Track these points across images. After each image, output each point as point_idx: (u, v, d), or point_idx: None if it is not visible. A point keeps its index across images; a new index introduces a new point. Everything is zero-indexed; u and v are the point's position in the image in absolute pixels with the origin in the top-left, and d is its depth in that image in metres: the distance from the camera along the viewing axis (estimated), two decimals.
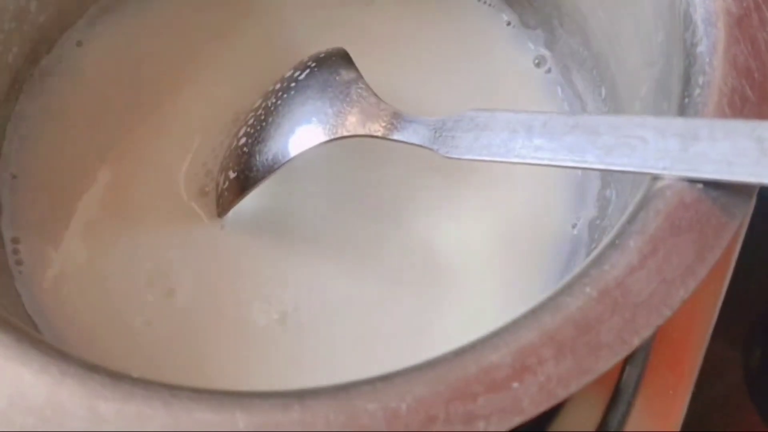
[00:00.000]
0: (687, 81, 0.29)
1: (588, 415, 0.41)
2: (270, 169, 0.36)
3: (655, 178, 0.27)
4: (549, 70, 0.42)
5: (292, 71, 0.38)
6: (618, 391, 0.41)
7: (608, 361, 0.23)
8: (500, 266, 0.39)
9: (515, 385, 0.23)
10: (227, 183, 0.38)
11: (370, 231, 0.39)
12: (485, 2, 0.45)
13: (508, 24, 0.44)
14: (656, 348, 0.43)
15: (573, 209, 0.40)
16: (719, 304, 0.46)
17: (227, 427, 0.23)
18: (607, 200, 0.38)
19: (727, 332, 0.46)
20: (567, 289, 0.25)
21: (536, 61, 0.43)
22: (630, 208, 0.26)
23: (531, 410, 0.23)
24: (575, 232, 0.39)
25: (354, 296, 0.38)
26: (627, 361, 0.42)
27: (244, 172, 0.38)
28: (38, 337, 0.25)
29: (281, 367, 0.36)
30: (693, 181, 0.26)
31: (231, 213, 0.39)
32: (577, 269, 0.25)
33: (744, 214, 0.26)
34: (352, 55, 0.38)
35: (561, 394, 0.23)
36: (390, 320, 0.37)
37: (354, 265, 0.39)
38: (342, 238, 0.39)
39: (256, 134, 0.38)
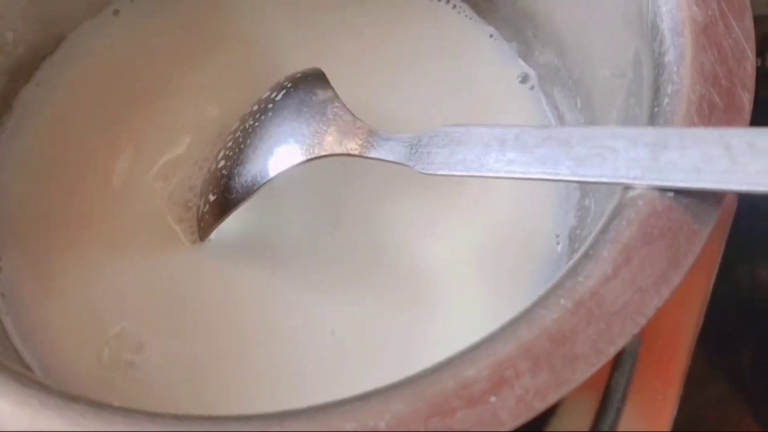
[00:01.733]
0: (656, 90, 0.29)
1: (576, 425, 0.41)
2: (249, 191, 0.37)
3: (627, 187, 0.27)
4: (532, 87, 0.43)
5: (269, 92, 0.39)
6: (606, 398, 0.41)
7: (585, 372, 0.24)
8: (485, 279, 0.39)
9: (493, 398, 0.23)
10: (207, 206, 0.38)
11: (354, 249, 0.39)
12: (467, 16, 0.45)
13: (491, 36, 0.44)
14: (643, 354, 0.43)
15: (555, 220, 0.40)
16: (704, 307, 0.46)
17: None
18: (586, 209, 0.38)
19: (715, 335, 0.46)
20: (542, 302, 0.25)
21: (519, 77, 0.43)
22: (603, 218, 0.27)
23: (509, 423, 0.23)
24: (558, 241, 0.39)
25: (340, 314, 0.38)
26: (614, 367, 0.42)
27: (223, 195, 0.38)
28: (18, 369, 0.25)
29: (269, 389, 0.36)
30: (664, 190, 0.26)
31: (212, 236, 0.39)
32: (552, 281, 0.25)
33: (715, 220, 0.26)
34: (331, 73, 0.38)
35: (538, 407, 0.23)
36: (377, 338, 0.37)
37: (338, 284, 0.39)
38: (325, 257, 0.39)
39: (235, 157, 0.38)
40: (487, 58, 0.43)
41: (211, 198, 0.38)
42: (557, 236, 0.39)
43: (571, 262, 0.26)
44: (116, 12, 0.45)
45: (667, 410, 0.44)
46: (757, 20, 0.37)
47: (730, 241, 0.43)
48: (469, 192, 0.40)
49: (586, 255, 0.26)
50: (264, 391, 0.35)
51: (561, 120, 0.41)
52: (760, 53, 0.36)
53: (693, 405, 0.45)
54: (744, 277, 0.54)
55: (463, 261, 0.39)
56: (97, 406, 0.24)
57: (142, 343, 0.37)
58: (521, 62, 0.43)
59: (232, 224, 0.38)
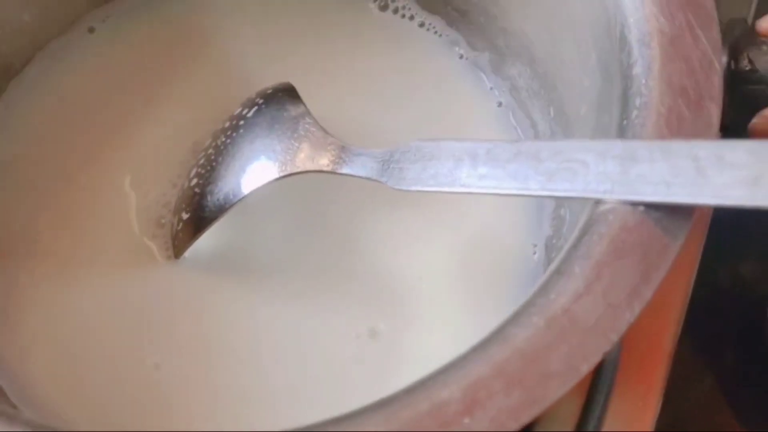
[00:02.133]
0: (625, 102, 0.29)
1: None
2: (222, 209, 0.36)
3: (598, 202, 0.27)
4: (502, 102, 0.43)
5: (240, 109, 0.38)
6: (588, 402, 0.41)
7: (558, 390, 0.23)
8: (462, 291, 0.39)
9: (466, 420, 0.23)
10: (181, 224, 0.38)
11: (328, 263, 0.39)
12: (437, 33, 0.45)
13: (461, 57, 0.44)
14: (624, 359, 0.43)
15: (531, 230, 0.40)
16: (684, 310, 0.46)
17: None
18: (561, 219, 0.38)
19: (698, 337, 0.46)
20: (514, 320, 0.25)
21: (491, 89, 0.43)
22: (574, 233, 0.27)
23: None
24: (535, 251, 0.39)
25: (316, 329, 0.38)
26: (596, 374, 0.42)
27: (197, 213, 0.37)
28: None
29: (241, 409, 0.36)
30: (635, 204, 0.26)
31: (187, 254, 0.38)
32: (524, 299, 0.25)
33: (686, 233, 0.26)
34: (302, 88, 0.38)
35: (512, 427, 0.23)
36: (355, 351, 0.37)
37: (314, 299, 0.39)
38: (300, 272, 0.39)
39: (207, 174, 0.38)
40: (457, 72, 0.43)
41: (185, 216, 0.38)
42: (534, 246, 0.39)
43: (542, 279, 0.26)
44: (91, 29, 0.44)
45: (649, 414, 0.44)
46: (731, 23, 0.37)
47: (712, 237, 0.43)
48: (444, 204, 0.40)
49: (557, 271, 0.25)
50: (236, 411, 0.35)
51: (534, 129, 0.41)
52: (733, 56, 0.36)
53: (676, 406, 0.45)
54: (726, 274, 0.54)
55: (439, 273, 0.39)
56: None
57: (114, 362, 0.36)
58: (492, 75, 0.43)
59: (206, 240, 0.38)
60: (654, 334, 0.44)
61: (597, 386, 0.41)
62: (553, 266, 0.26)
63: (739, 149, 0.25)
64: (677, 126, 0.28)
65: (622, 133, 0.28)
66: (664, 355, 0.45)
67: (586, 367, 0.24)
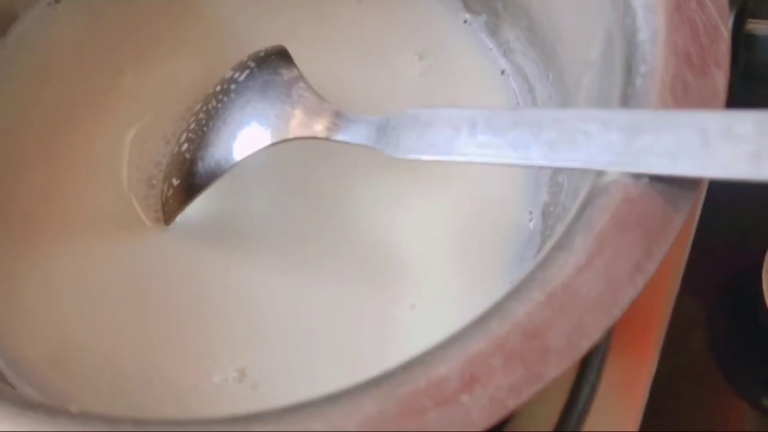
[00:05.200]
0: (629, 70, 0.28)
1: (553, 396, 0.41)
2: (214, 176, 0.36)
3: (600, 173, 0.26)
4: (504, 70, 0.42)
5: (231, 72, 0.37)
6: (584, 368, 0.41)
7: (558, 366, 0.23)
8: (457, 258, 0.38)
9: (465, 397, 0.23)
10: (171, 190, 0.37)
11: (323, 231, 0.39)
12: None
13: (465, 22, 0.43)
14: (619, 325, 0.43)
15: (527, 196, 0.39)
16: (680, 277, 0.46)
17: None
18: (559, 186, 0.37)
19: (691, 300, 0.46)
20: (514, 295, 0.24)
21: (491, 54, 0.42)
22: (575, 206, 0.26)
23: (482, 422, 0.22)
24: (531, 218, 0.39)
25: (311, 298, 0.37)
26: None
27: (187, 179, 0.37)
28: None
29: (244, 377, 0.35)
30: (638, 176, 0.25)
31: (177, 219, 0.38)
32: (524, 273, 0.25)
33: (690, 206, 0.25)
34: (295, 52, 0.37)
35: (512, 404, 0.23)
36: (349, 321, 0.37)
37: (306, 266, 0.38)
38: (294, 240, 0.39)
39: (198, 140, 0.37)
40: (457, 37, 0.42)
41: (175, 182, 0.37)
42: (530, 213, 0.39)
43: (543, 253, 0.25)
44: None
45: (643, 379, 0.44)
46: None
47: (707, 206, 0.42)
48: (439, 170, 0.39)
49: (558, 245, 0.25)
50: (230, 381, 0.35)
51: (532, 94, 0.40)
52: (740, 21, 0.35)
53: (666, 367, 0.44)
54: (723, 241, 0.53)
55: (434, 240, 0.38)
56: (54, 412, 0.23)
57: (104, 331, 0.36)
58: (492, 38, 0.42)
59: (196, 206, 0.37)
60: (649, 301, 0.43)
61: (588, 360, 0.41)
62: (553, 240, 0.25)
63: (747, 121, 0.24)
64: (683, 95, 0.27)
65: (626, 101, 0.28)
66: (659, 322, 0.45)
67: (586, 344, 0.23)
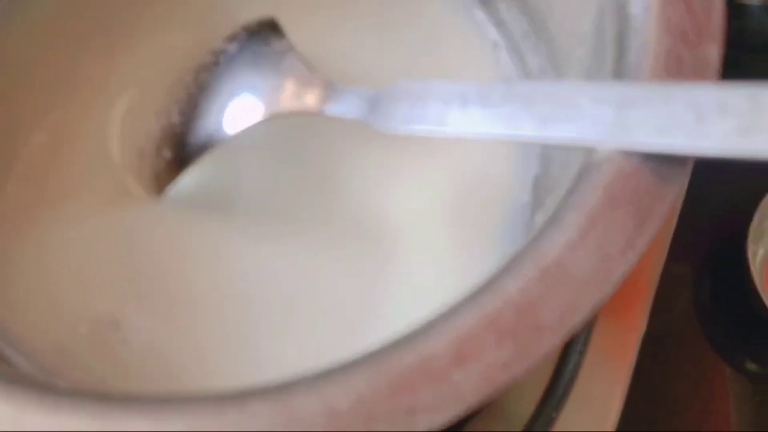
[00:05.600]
0: (621, 44, 0.28)
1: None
2: (205, 148, 0.36)
3: (593, 149, 0.26)
4: (494, 42, 0.41)
5: (221, 43, 0.37)
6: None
7: (551, 343, 0.23)
8: (447, 230, 0.38)
9: (456, 374, 0.23)
10: (162, 162, 0.37)
11: (315, 202, 0.39)
12: None
13: None
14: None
15: (518, 168, 0.39)
16: (668, 244, 0.46)
17: None
18: (550, 158, 0.37)
19: (676, 265, 0.46)
20: (506, 271, 0.24)
21: (482, 25, 0.42)
22: (568, 182, 0.26)
23: (473, 399, 0.22)
24: (523, 191, 0.39)
25: (302, 268, 0.37)
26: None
27: (178, 151, 0.36)
28: None
29: (229, 349, 0.35)
30: (630, 152, 0.25)
31: (169, 191, 0.37)
32: (516, 249, 0.25)
33: (683, 181, 0.25)
34: (287, 23, 0.36)
35: (503, 381, 0.23)
36: (342, 294, 0.37)
37: (299, 238, 0.38)
38: (285, 211, 0.38)
39: (189, 112, 0.36)
40: (448, 8, 0.42)
41: (166, 154, 0.37)
42: (521, 185, 0.39)
43: (535, 229, 0.25)
44: None
45: (630, 347, 0.44)
46: None
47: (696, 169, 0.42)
48: (430, 141, 0.38)
49: (551, 221, 0.25)
50: (221, 354, 0.35)
51: (525, 67, 0.39)
52: None
53: (651, 334, 0.45)
54: (710, 206, 0.54)
55: (423, 212, 0.38)
56: (43, 388, 0.23)
57: (98, 307, 0.36)
58: (483, 10, 0.42)
59: (188, 177, 0.37)
60: (636, 273, 0.43)
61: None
62: (546, 216, 0.25)
63: (740, 94, 0.24)
64: (676, 68, 0.27)
65: (618, 74, 0.27)
66: (646, 290, 0.45)
67: (579, 320, 0.23)
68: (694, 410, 0.51)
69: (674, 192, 0.25)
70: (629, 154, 0.25)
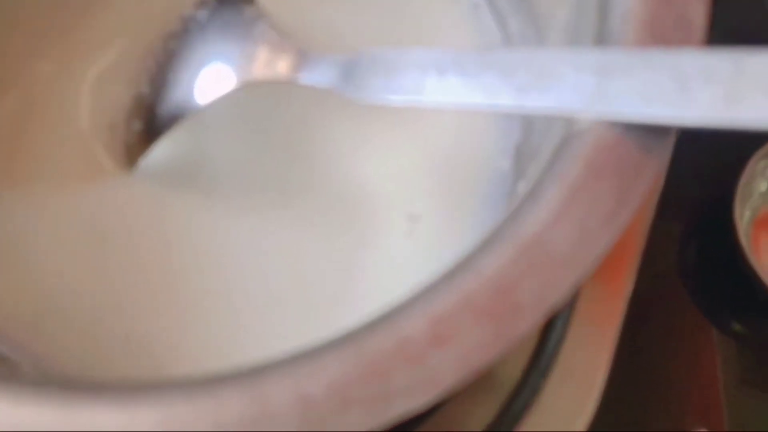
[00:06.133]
0: (604, 6, 0.27)
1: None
2: (176, 118, 0.34)
3: (573, 119, 0.25)
4: (476, 6, 0.40)
5: (191, 10, 0.36)
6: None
7: (529, 323, 0.22)
8: (425, 200, 0.37)
9: (432, 356, 0.22)
10: (133, 134, 0.36)
11: (290, 173, 0.38)
12: None
13: None
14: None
15: (499, 135, 0.38)
16: (654, 208, 0.45)
17: (128, 427, 0.21)
18: (531, 124, 0.36)
19: (662, 223, 0.46)
20: (484, 249, 0.23)
21: None
22: (548, 153, 0.25)
23: (450, 382, 0.22)
24: (504, 158, 0.38)
25: (279, 242, 0.36)
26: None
27: (148, 122, 0.35)
28: None
29: (214, 327, 0.35)
30: (612, 122, 0.24)
31: (140, 164, 0.36)
32: (494, 225, 0.24)
33: (667, 153, 0.24)
34: None
35: (480, 363, 0.22)
36: (314, 263, 0.36)
37: (274, 211, 0.37)
38: (259, 183, 0.38)
39: (158, 81, 0.35)
40: None
41: (137, 125, 0.36)
42: (502, 152, 0.38)
43: (514, 204, 0.24)
44: None
45: (615, 314, 0.44)
46: None
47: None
48: (407, 111, 0.37)
49: (530, 195, 0.24)
50: (200, 334, 0.34)
51: (506, 30, 0.38)
52: None
53: (643, 284, 0.44)
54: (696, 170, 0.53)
55: (403, 181, 0.37)
56: (5, 376, 0.22)
57: (71, 282, 0.35)
58: None
59: (159, 149, 0.36)
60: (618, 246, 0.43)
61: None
62: (524, 190, 0.25)
63: (725, 60, 0.23)
64: (660, 32, 0.26)
65: (601, 41, 0.26)
66: (631, 258, 0.45)
67: (558, 298, 0.23)
68: (682, 372, 0.51)
69: (658, 163, 0.24)
70: (611, 124, 0.24)
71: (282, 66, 0.33)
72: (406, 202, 0.37)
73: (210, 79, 0.33)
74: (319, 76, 0.32)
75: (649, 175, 0.24)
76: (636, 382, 0.50)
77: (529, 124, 0.36)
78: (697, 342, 0.53)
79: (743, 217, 0.50)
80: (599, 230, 0.23)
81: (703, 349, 0.53)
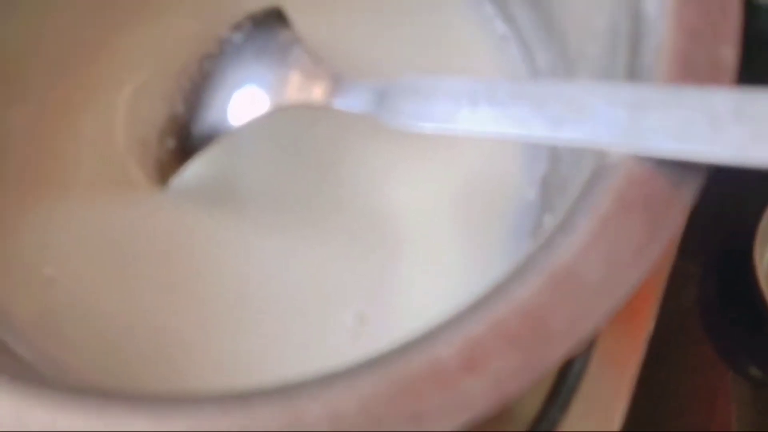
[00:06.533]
0: (636, 44, 0.27)
1: None
2: (209, 139, 0.35)
3: (605, 153, 0.25)
4: (503, 36, 0.41)
5: (227, 33, 0.36)
6: None
7: (561, 351, 0.23)
8: (453, 226, 0.38)
9: (464, 381, 0.22)
10: (166, 151, 0.37)
11: (321, 196, 0.38)
12: None
13: None
14: None
15: (526, 165, 0.39)
16: (676, 248, 0.46)
17: None
18: (558, 156, 0.37)
19: (682, 261, 0.46)
20: (516, 277, 0.24)
21: (493, 20, 0.41)
22: (579, 186, 0.25)
23: (481, 407, 0.22)
24: (530, 188, 0.38)
25: (308, 263, 0.37)
26: None
27: (182, 141, 0.36)
28: None
29: (230, 346, 0.35)
30: (643, 157, 0.25)
31: (172, 182, 0.37)
32: (526, 254, 0.24)
33: (697, 189, 0.25)
34: (292, 12, 0.36)
35: (512, 389, 0.22)
36: (345, 285, 0.36)
37: (302, 231, 0.38)
38: (289, 204, 0.38)
39: (193, 101, 0.36)
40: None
41: (170, 143, 0.37)
42: (529, 182, 0.38)
43: (546, 233, 0.25)
44: None
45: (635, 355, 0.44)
46: None
47: None
48: (436, 138, 0.38)
49: (561, 227, 0.24)
50: (228, 346, 0.34)
51: (534, 63, 0.39)
52: None
53: (662, 324, 0.44)
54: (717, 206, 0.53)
55: (429, 207, 0.38)
56: (44, 387, 0.23)
57: (97, 294, 0.35)
58: (493, 4, 0.41)
59: (192, 168, 0.37)
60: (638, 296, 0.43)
61: None
62: (556, 219, 0.25)
63: (756, 100, 0.24)
64: (691, 70, 0.26)
65: (632, 76, 0.27)
66: (653, 295, 0.45)
67: (590, 328, 0.23)
68: (696, 413, 0.51)
69: (688, 198, 0.24)
70: (642, 159, 0.25)
71: (316, 91, 0.33)
72: (432, 227, 0.37)
73: (244, 101, 0.34)
74: (352, 101, 0.32)
75: (680, 210, 0.24)
76: (651, 422, 0.50)
77: (555, 156, 0.36)
78: (713, 384, 0.53)
79: (763, 259, 0.50)
80: (630, 262, 0.24)
81: (718, 391, 0.52)
